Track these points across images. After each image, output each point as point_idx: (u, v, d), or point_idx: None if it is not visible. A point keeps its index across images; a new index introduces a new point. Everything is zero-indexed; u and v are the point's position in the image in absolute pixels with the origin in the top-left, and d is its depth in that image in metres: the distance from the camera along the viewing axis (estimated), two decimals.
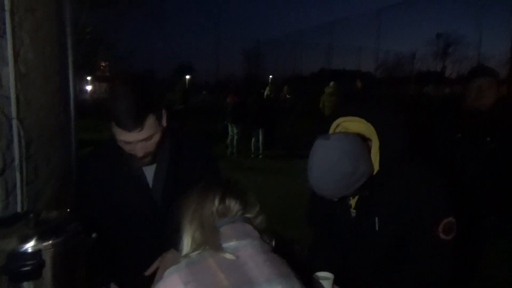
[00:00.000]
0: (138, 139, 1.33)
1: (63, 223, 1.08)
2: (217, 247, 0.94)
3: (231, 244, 0.96)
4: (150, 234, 1.53)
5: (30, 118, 2.14)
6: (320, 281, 1.38)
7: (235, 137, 10.12)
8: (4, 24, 1.92)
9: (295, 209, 5.13)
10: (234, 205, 1.04)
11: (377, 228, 1.43)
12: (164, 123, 1.46)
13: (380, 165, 1.38)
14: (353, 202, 1.53)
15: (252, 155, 10.12)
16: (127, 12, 12.05)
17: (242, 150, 10.33)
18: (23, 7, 2.09)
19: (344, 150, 1.30)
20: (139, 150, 1.37)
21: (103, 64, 18.48)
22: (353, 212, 1.53)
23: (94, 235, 1.09)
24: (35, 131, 2.19)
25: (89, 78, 18.82)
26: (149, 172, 1.52)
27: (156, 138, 1.40)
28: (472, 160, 2.32)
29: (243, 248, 0.96)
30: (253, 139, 10.08)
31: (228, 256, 0.93)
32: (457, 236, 1.36)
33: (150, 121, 1.34)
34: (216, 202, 1.03)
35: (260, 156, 10.05)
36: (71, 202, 2.55)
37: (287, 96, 11.87)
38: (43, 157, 2.29)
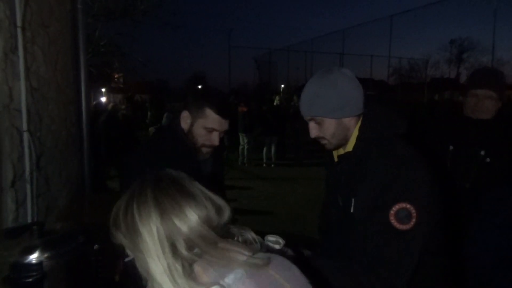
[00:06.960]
0: (225, 128, 1.56)
1: (66, 235, 1.10)
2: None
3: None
4: None
5: (41, 131, 2.18)
6: (270, 244, 1.28)
7: (246, 147, 10.11)
8: (16, 40, 1.97)
9: (307, 215, 5.14)
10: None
11: (352, 210, 1.34)
12: None
13: (357, 140, 1.36)
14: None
15: (264, 164, 10.10)
16: (141, 24, 12.21)
17: (255, 159, 10.33)
18: (36, 23, 2.15)
19: (345, 74, 1.33)
20: (217, 139, 1.55)
21: (117, 76, 18.76)
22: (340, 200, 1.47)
23: (96, 246, 1.11)
24: (46, 144, 2.23)
25: (103, 89, 19.13)
26: (206, 165, 1.68)
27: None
28: (462, 175, 2.09)
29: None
30: (264, 149, 10.06)
31: None
32: (420, 227, 1.18)
33: None
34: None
35: (273, 165, 10.02)
36: (84, 213, 2.59)
37: (297, 105, 11.88)
38: (55, 169, 2.33)
